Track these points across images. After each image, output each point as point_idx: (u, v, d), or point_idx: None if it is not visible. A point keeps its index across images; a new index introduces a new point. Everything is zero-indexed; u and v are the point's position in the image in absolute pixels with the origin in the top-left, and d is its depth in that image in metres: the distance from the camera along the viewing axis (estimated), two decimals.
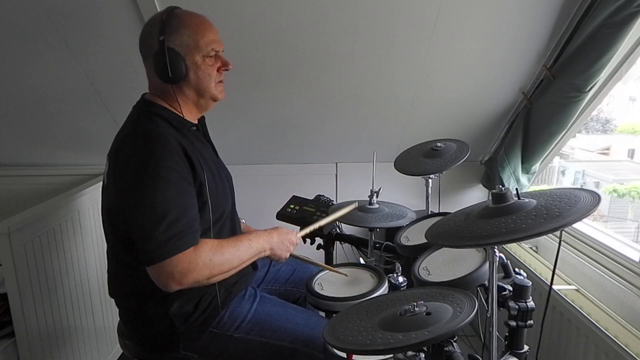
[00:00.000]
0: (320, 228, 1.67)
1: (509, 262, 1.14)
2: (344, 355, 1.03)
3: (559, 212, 0.86)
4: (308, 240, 1.82)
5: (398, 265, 1.33)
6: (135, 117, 1.27)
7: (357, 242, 1.83)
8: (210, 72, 1.27)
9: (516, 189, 0.96)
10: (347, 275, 1.44)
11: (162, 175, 1.13)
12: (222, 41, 1.28)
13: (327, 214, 1.67)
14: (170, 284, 1.11)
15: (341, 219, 1.60)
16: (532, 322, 1.04)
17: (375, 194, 1.60)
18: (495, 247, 0.92)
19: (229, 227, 1.37)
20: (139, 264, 1.14)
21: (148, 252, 1.10)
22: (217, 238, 1.29)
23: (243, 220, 1.68)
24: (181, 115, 1.28)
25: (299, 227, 1.77)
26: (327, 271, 1.48)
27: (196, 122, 1.35)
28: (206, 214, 1.24)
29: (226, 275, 1.20)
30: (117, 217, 1.22)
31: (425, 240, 1.03)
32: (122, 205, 1.17)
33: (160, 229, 1.09)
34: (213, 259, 1.15)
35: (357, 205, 1.58)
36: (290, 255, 1.41)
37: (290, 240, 1.36)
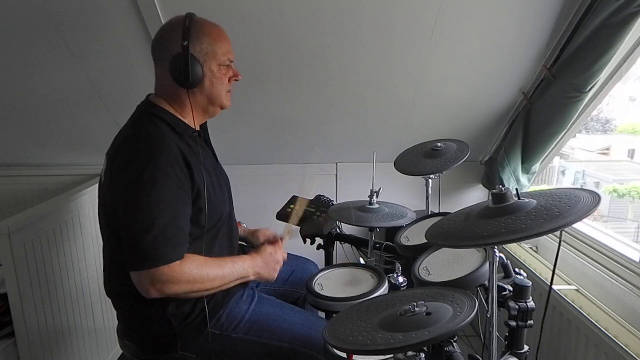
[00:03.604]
0: (320, 228, 1.68)
1: (509, 262, 1.13)
2: (344, 355, 1.03)
3: (558, 212, 0.86)
4: (308, 240, 1.82)
5: (398, 265, 1.33)
6: (138, 118, 1.27)
7: (357, 242, 1.83)
8: (223, 80, 1.30)
9: (516, 189, 0.95)
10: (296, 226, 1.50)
11: (158, 181, 1.13)
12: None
13: (325, 214, 1.68)
14: (151, 291, 1.12)
15: (339, 220, 1.60)
16: (532, 322, 1.04)
17: (375, 194, 1.60)
18: (495, 247, 0.92)
19: (225, 231, 1.37)
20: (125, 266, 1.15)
21: (134, 257, 1.11)
22: (213, 242, 1.30)
23: (244, 225, 1.68)
24: (184, 120, 1.29)
25: (298, 229, 1.78)
26: (327, 271, 1.48)
27: (198, 127, 1.35)
28: (201, 220, 1.25)
29: (206, 293, 1.22)
30: (112, 216, 1.22)
31: (425, 240, 1.03)
32: (116, 205, 1.18)
33: (149, 236, 1.10)
34: (196, 277, 1.16)
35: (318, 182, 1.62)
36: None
37: (275, 261, 1.38)
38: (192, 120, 1.31)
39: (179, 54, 1.21)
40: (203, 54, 1.24)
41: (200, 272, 1.17)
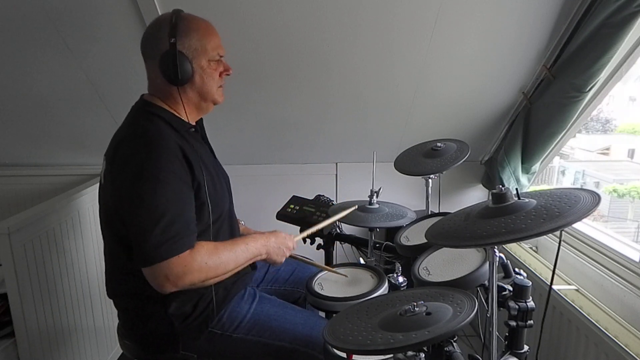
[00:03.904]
0: (319, 230, 1.67)
1: (509, 262, 1.13)
2: (344, 355, 1.03)
3: (558, 212, 0.86)
4: (308, 240, 1.82)
5: (398, 265, 1.33)
6: (134, 118, 1.27)
7: (357, 242, 1.83)
8: (214, 76, 1.29)
9: (516, 189, 0.95)
10: (346, 276, 1.43)
11: (160, 177, 1.13)
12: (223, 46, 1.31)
13: (327, 216, 1.68)
14: (166, 285, 1.11)
15: (340, 220, 1.60)
16: (532, 322, 1.04)
17: (375, 194, 1.60)
18: (495, 247, 0.92)
19: (227, 227, 1.37)
20: (136, 264, 1.14)
21: (144, 253, 1.10)
22: (216, 238, 1.30)
23: (242, 222, 1.67)
24: (180, 116, 1.29)
25: (298, 229, 1.79)
26: (328, 271, 1.48)
27: (194, 123, 1.35)
28: (204, 215, 1.24)
29: (222, 277, 1.21)
30: (114, 217, 1.22)
31: (425, 240, 1.03)
32: (119, 205, 1.18)
33: (156, 231, 1.09)
34: (209, 263, 1.16)
35: (357, 207, 1.58)
36: (290, 255, 1.42)
37: (287, 245, 1.37)
38: (188, 116, 1.31)
39: (167, 51, 1.20)
40: (192, 50, 1.23)
41: (212, 258, 1.17)
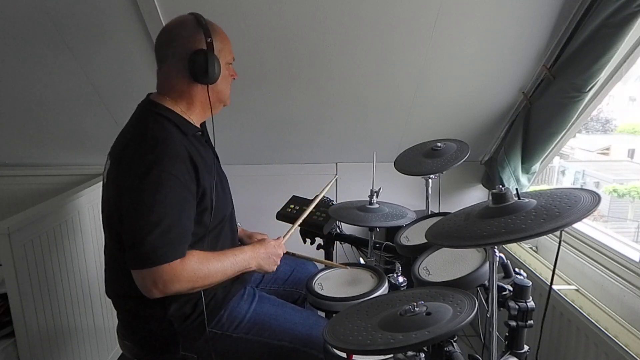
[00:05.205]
0: (318, 227, 1.67)
1: (509, 262, 1.13)
2: (344, 355, 1.03)
3: (558, 212, 0.86)
4: (308, 240, 1.82)
5: (398, 265, 1.33)
6: (142, 118, 1.26)
7: (357, 242, 1.83)
8: (229, 79, 1.33)
9: (516, 189, 0.96)
10: (347, 268, 1.47)
11: (163, 182, 1.13)
12: None
13: (327, 216, 1.69)
14: (153, 290, 1.12)
15: (339, 220, 1.61)
16: (532, 322, 1.04)
17: (375, 194, 1.60)
18: (495, 247, 0.92)
19: (227, 231, 1.37)
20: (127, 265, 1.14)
21: (135, 256, 1.11)
22: (217, 241, 1.31)
23: (239, 224, 1.67)
24: (188, 119, 1.29)
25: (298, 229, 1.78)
26: (327, 271, 1.48)
27: (199, 126, 1.35)
28: (206, 220, 1.25)
29: (209, 287, 1.22)
30: (114, 216, 1.22)
31: (425, 240, 1.03)
32: (120, 205, 1.17)
33: (151, 236, 1.09)
34: (197, 273, 1.16)
35: (336, 177, 1.62)
36: (290, 253, 1.43)
37: (276, 253, 1.38)
38: (197, 118, 1.31)
39: (198, 50, 1.21)
40: (218, 52, 1.25)
41: (201, 268, 1.17)
